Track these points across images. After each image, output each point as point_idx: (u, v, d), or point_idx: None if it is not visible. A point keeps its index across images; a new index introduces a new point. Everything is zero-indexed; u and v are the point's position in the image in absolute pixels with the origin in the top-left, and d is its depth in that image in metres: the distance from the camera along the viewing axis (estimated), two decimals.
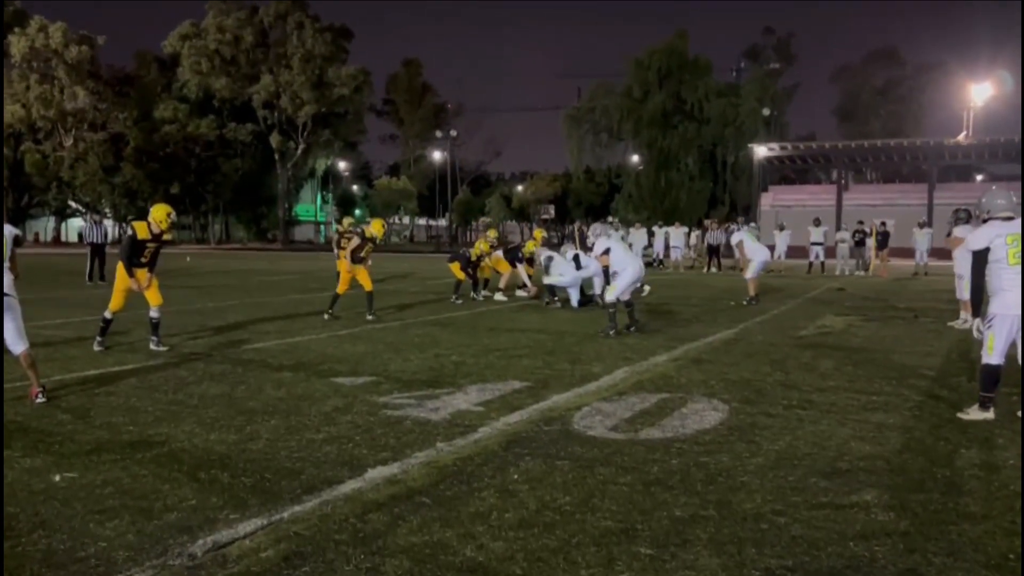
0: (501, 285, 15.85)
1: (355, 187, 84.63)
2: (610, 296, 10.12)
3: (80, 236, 21.90)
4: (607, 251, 10.19)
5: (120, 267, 8.53)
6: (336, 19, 66.84)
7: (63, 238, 69.26)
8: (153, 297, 8.61)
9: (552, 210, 71.99)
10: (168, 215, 8.72)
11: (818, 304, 14.70)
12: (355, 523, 3.61)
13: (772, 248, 28.26)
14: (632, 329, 10.22)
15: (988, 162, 54.25)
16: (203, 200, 68.14)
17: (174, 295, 16.01)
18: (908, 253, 26.22)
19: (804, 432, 5.24)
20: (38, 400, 5.92)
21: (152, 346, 8.63)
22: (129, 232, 8.72)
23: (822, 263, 26.16)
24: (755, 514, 3.74)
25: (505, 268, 15.95)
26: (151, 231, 8.61)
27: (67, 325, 10.73)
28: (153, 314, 8.68)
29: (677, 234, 30.17)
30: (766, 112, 58.06)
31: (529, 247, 15.99)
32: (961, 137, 43.88)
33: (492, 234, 16.54)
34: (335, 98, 64.85)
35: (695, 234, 33.87)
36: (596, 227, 11.26)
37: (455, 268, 15.24)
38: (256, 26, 64.32)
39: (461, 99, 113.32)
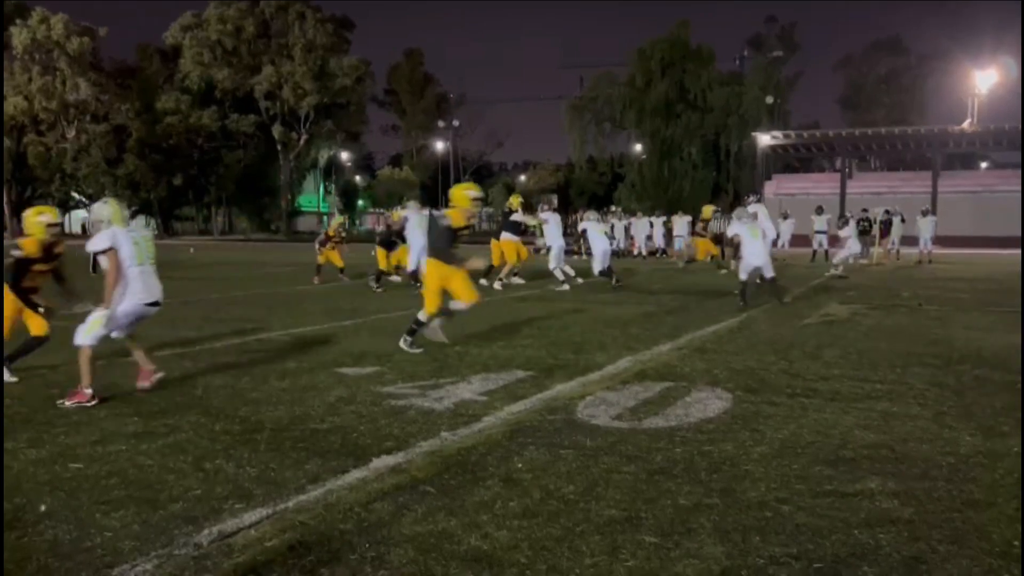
0: (502, 275, 15.84)
1: (357, 178, 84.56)
2: (597, 266, 14.99)
3: (84, 228, 22.00)
4: (584, 232, 14.13)
5: (7, 291, 6.56)
6: (337, 9, 66.92)
7: (67, 230, 69.31)
8: (36, 326, 6.72)
9: (555, 200, 71.90)
10: (42, 218, 6.58)
11: (821, 292, 14.68)
12: (360, 512, 3.62)
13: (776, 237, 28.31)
14: (618, 283, 14.81)
15: (992, 149, 54.05)
16: (206, 192, 68.16)
17: (177, 287, 16.02)
18: (912, 241, 26.21)
19: (808, 420, 5.23)
20: (87, 403, 5.60)
21: (6, 375, 6.48)
22: (16, 252, 6.57)
23: (825, 251, 26.11)
24: (759, 502, 3.74)
25: (512, 258, 15.82)
26: (40, 247, 6.58)
27: (70, 316, 10.72)
28: (29, 343, 6.74)
29: (680, 223, 30.13)
30: (769, 101, 57.88)
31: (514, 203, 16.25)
32: (965, 124, 43.71)
33: (515, 202, 16.45)
34: (337, 89, 64.77)
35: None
36: (590, 213, 16.54)
37: None
38: (257, 17, 64.18)
39: (463, 89, 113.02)
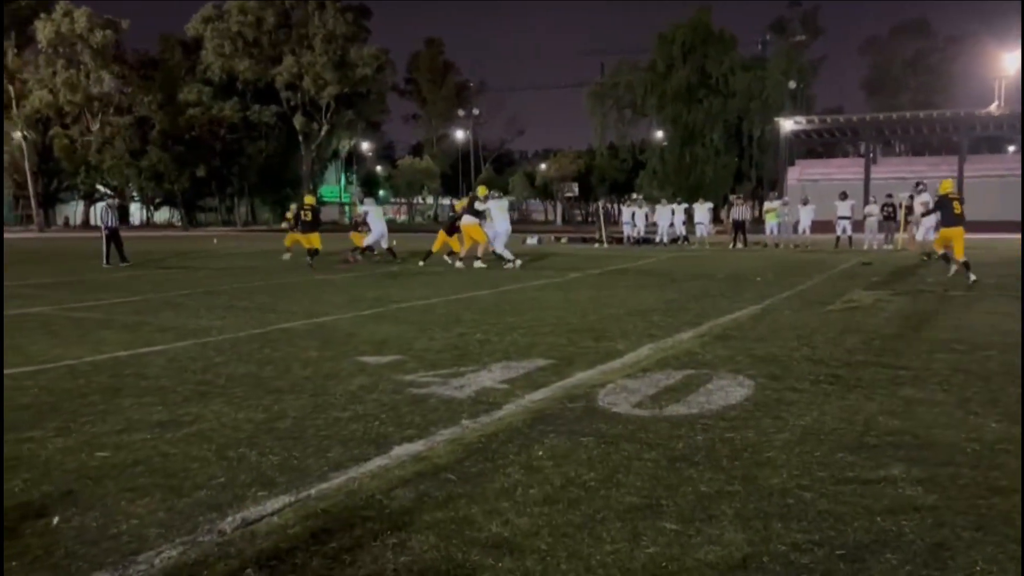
0: (478, 253, 17.63)
1: (379, 167, 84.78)
2: (499, 246, 17.33)
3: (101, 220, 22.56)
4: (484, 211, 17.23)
5: None
6: None
7: (92, 222, 70.10)
8: None
9: (576, 188, 71.71)
10: None
11: (845, 279, 14.55)
12: (381, 499, 3.64)
13: (797, 223, 28.08)
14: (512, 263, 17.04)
15: (1020, 133, 53.16)
16: (228, 182, 68.64)
17: (201, 277, 16.18)
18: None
19: (831, 407, 5.19)
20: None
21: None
22: None
23: (849, 237, 25.87)
24: (781, 489, 3.72)
25: (482, 238, 17.59)
26: None
27: (96, 307, 10.87)
28: None
29: (702, 210, 29.96)
30: (792, 85, 57.30)
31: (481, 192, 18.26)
32: (992, 107, 43.07)
33: (483, 192, 18.32)
34: (357, 78, 64.92)
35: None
36: (494, 193, 18.37)
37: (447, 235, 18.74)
38: (277, 7, 64.43)
39: (483, 77, 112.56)
